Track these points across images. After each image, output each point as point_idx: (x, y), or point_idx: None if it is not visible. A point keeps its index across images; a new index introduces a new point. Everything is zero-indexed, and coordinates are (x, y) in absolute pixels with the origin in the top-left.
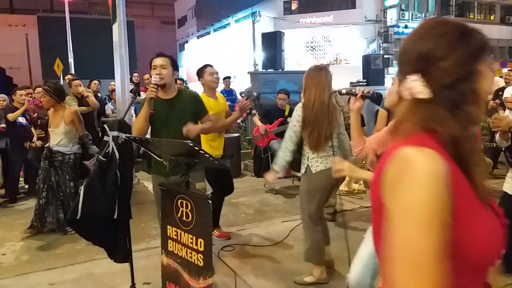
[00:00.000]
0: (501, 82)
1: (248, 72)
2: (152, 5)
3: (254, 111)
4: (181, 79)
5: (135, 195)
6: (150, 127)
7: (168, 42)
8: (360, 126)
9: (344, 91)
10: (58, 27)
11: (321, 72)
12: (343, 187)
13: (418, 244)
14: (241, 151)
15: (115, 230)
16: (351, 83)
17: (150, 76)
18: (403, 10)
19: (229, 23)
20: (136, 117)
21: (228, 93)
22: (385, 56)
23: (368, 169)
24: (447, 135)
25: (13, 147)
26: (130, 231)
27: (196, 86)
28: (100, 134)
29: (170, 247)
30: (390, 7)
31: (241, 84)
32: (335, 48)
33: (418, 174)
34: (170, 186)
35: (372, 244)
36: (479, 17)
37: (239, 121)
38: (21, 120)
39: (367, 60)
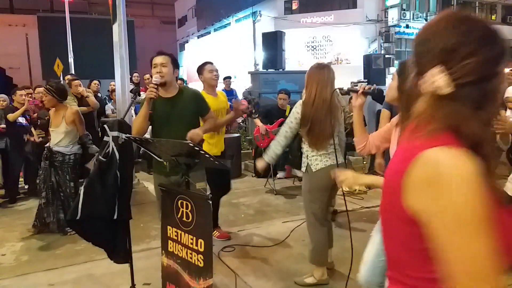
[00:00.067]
0: None
1: (249, 72)
2: (152, 5)
3: (254, 115)
4: (181, 79)
5: (135, 195)
6: (150, 126)
7: (168, 42)
8: (363, 123)
9: (346, 88)
10: (58, 27)
11: (323, 70)
12: (344, 187)
13: (477, 248)
14: (242, 151)
15: (115, 231)
16: (352, 83)
17: (151, 76)
18: (404, 9)
19: (230, 23)
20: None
21: (229, 93)
22: (386, 56)
23: (374, 172)
24: (470, 135)
25: (13, 148)
26: (130, 231)
27: (196, 86)
28: (100, 134)
29: (170, 248)
30: (391, 6)
31: (241, 84)
32: (336, 48)
33: (458, 177)
34: (170, 186)
35: (379, 243)
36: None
37: (239, 121)
38: (21, 120)
39: (368, 60)
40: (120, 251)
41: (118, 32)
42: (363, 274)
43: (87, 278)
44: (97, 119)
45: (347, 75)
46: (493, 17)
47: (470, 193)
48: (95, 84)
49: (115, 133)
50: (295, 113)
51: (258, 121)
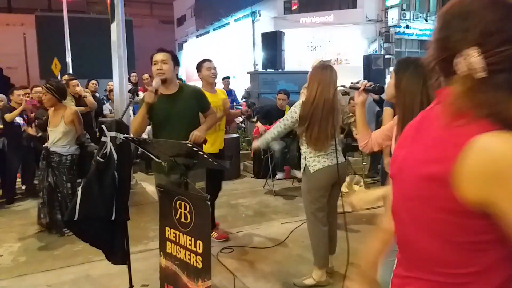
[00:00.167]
0: None
1: (248, 72)
2: (151, 4)
3: (252, 119)
4: (180, 79)
5: (133, 196)
6: (151, 124)
7: (167, 42)
8: (366, 120)
9: (348, 86)
10: (56, 26)
11: (325, 70)
12: (344, 188)
13: None
14: (241, 152)
15: (112, 232)
16: (351, 83)
17: (150, 76)
18: (404, 10)
19: (229, 23)
20: (133, 117)
21: (228, 93)
22: (386, 56)
23: (375, 172)
24: (510, 120)
25: (10, 148)
26: (128, 232)
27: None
28: (98, 134)
29: (169, 249)
30: (391, 6)
31: (240, 84)
32: (335, 48)
33: None
34: (169, 186)
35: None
36: None
37: (238, 121)
38: (19, 120)
39: (368, 60)
40: (118, 252)
41: (117, 31)
42: (379, 275)
43: (85, 279)
44: (95, 119)
45: (347, 76)
46: None
47: None
48: (93, 84)
49: (113, 134)
50: (293, 112)
51: (257, 122)
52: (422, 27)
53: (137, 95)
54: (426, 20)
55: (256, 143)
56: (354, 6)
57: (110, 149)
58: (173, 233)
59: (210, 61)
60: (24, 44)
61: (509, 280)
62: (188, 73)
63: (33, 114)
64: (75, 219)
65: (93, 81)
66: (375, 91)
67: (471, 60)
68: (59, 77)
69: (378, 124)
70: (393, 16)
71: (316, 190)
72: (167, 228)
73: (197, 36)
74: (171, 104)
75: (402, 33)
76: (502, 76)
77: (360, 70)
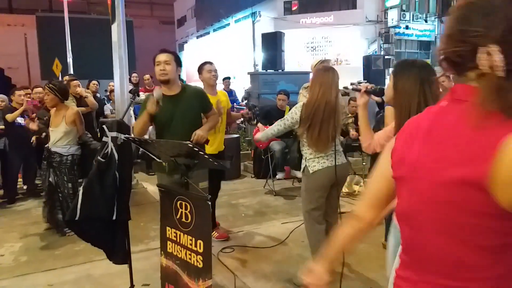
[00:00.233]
0: None
1: (248, 73)
2: (151, 5)
3: (252, 122)
4: (181, 80)
5: (134, 196)
6: (154, 124)
7: (168, 42)
8: (368, 121)
9: (350, 87)
10: (57, 27)
11: (327, 72)
12: (344, 188)
13: None
14: (241, 152)
15: (114, 231)
16: (351, 83)
17: (151, 77)
18: (404, 10)
19: (229, 23)
20: (135, 118)
21: (228, 93)
22: (386, 57)
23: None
24: None
25: (12, 148)
26: (129, 232)
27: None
28: (99, 134)
29: (169, 249)
30: (391, 7)
31: (241, 84)
32: (335, 48)
33: None
34: (170, 186)
35: (395, 245)
36: None
37: (238, 121)
38: (20, 120)
39: (368, 61)
40: (119, 252)
41: (117, 32)
42: (388, 267)
43: (86, 278)
44: (96, 119)
45: (347, 76)
46: None
47: None
48: (94, 84)
49: (114, 134)
50: (293, 113)
51: None
52: (422, 28)
53: (138, 95)
54: (426, 21)
55: (258, 136)
56: (354, 7)
57: (111, 149)
58: (174, 232)
59: (211, 63)
60: (25, 44)
61: None
62: (188, 73)
63: (34, 114)
64: (76, 219)
65: (94, 82)
66: (376, 93)
67: (496, 57)
68: (60, 78)
69: (377, 124)
70: (392, 16)
71: (315, 191)
72: (168, 228)
73: (197, 37)
74: (174, 105)
75: (401, 34)
76: None
77: (360, 71)
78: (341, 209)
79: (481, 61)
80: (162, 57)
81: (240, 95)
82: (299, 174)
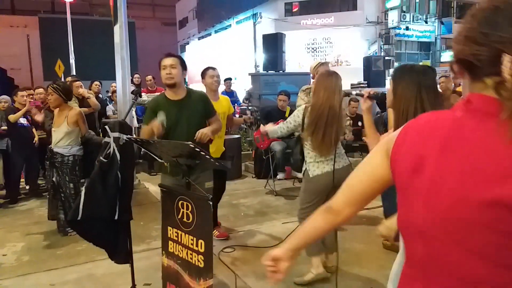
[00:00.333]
0: None
1: (249, 74)
2: (153, 7)
3: (253, 126)
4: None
5: (136, 196)
6: None
7: (169, 44)
8: (373, 124)
9: (354, 93)
10: (59, 28)
11: (331, 77)
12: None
13: None
14: (242, 152)
15: (115, 231)
16: (351, 85)
17: (153, 77)
18: (404, 11)
19: (230, 25)
20: (137, 118)
21: (229, 94)
22: (386, 58)
23: None
24: None
25: (14, 148)
26: (130, 232)
27: (197, 87)
28: (101, 135)
29: (171, 248)
30: (391, 8)
31: (242, 85)
32: (336, 49)
33: None
34: (171, 187)
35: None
36: None
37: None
38: (22, 121)
39: (368, 62)
40: (120, 252)
41: (119, 33)
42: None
43: (88, 278)
44: (98, 120)
45: (347, 77)
46: None
47: None
48: (96, 85)
49: (116, 134)
50: (296, 116)
51: None
52: (422, 29)
53: (140, 96)
54: (426, 22)
55: (265, 128)
56: (354, 8)
57: (113, 149)
58: (175, 232)
59: (214, 69)
60: (27, 45)
61: None
62: (190, 75)
63: (44, 104)
64: (79, 218)
65: (96, 82)
66: (378, 98)
67: None
68: (62, 79)
69: (375, 125)
70: (393, 18)
71: (312, 194)
72: (169, 228)
73: (199, 38)
74: (179, 109)
75: (402, 35)
76: None
77: (360, 72)
78: None
79: (505, 69)
80: (168, 61)
81: (241, 96)
82: (299, 174)
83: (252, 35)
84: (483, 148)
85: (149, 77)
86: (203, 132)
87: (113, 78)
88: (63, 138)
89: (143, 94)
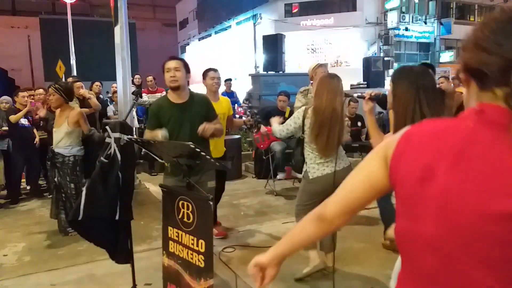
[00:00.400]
0: None
1: (249, 74)
2: (154, 8)
3: (253, 129)
4: None
5: (137, 196)
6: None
7: (170, 44)
8: (376, 125)
9: (355, 95)
10: (60, 29)
11: (333, 80)
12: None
13: None
14: (242, 152)
15: (116, 231)
16: (351, 85)
17: (154, 78)
18: (403, 12)
19: (230, 26)
20: (137, 119)
21: (229, 95)
22: (386, 58)
23: None
24: None
25: (15, 149)
26: (131, 232)
27: (197, 88)
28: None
29: (171, 248)
30: (391, 9)
31: (242, 86)
32: (335, 50)
33: None
34: (172, 187)
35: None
36: (479, 20)
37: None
38: (23, 121)
39: (368, 63)
40: (121, 252)
41: (120, 34)
42: (391, 286)
43: (89, 278)
44: (99, 120)
45: (347, 78)
46: None
47: None
48: (96, 85)
49: (117, 135)
50: (296, 118)
51: None
52: (421, 30)
53: (141, 97)
54: (425, 23)
55: (272, 122)
56: (354, 9)
57: (114, 150)
58: (176, 232)
59: (215, 70)
60: (28, 46)
61: None
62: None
63: (37, 116)
64: (79, 218)
65: (97, 83)
66: (379, 99)
67: None
68: (63, 79)
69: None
70: (392, 18)
71: (310, 194)
72: (170, 228)
73: (199, 39)
74: (182, 112)
75: (401, 36)
76: None
77: (359, 72)
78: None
79: None
80: (172, 63)
81: (241, 96)
82: (299, 175)
83: (252, 36)
84: (500, 159)
85: (150, 77)
86: (207, 126)
87: (113, 78)
88: (63, 138)
89: (143, 94)
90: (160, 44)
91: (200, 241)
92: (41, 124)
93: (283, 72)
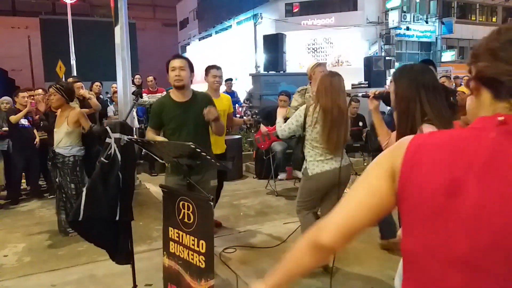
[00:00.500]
0: None
1: (250, 74)
2: (154, 7)
3: (253, 128)
4: None
5: (137, 196)
6: (163, 128)
7: (170, 44)
8: (383, 122)
9: (360, 94)
10: (60, 29)
11: (335, 78)
12: (346, 190)
13: None
14: (243, 152)
15: (116, 232)
16: (352, 85)
17: (154, 78)
18: (404, 12)
19: (231, 25)
20: (138, 119)
21: (230, 95)
22: (387, 58)
23: None
24: None
25: (15, 149)
26: (131, 232)
27: (198, 88)
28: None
29: (172, 249)
30: (392, 9)
31: (242, 86)
32: (336, 50)
33: None
34: (172, 187)
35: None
36: (480, 19)
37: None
38: (24, 122)
39: (369, 62)
40: (122, 252)
41: (120, 34)
42: (396, 284)
43: (89, 279)
44: (99, 121)
45: (348, 77)
46: (494, 19)
47: None
48: (96, 86)
49: (117, 135)
50: (297, 116)
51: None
52: (423, 29)
53: (141, 97)
54: (427, 22)
55: (277, 119)
56: (355, 8)
57: (114, 150)
58: (177, 233)
59: (218, 68)
60: (28, 46)
61: None
62: None
63: (37, 116)
64: (80, 219)
65: (97, 83)
66: (383, 97)
67: None
68: (63, 79)
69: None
70: (393, 18)
71: (310, 191)
72: (170, 228)
73: (199, 39)
74: (185, 111)
75: (402, 35)
76: None
77: (360, 72)
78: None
79: None
80: (177, 62)
81: (242, 96)
82: (300, 174)
83: (253, 36)
84: None
85: (150, 78)
86: (211, 109)
87: (113, 79)
88: (63, 138)
89: (144, 95)
90: (160, 44)
91: (201, 241)
92: (41, 125)
93: (283, 72)
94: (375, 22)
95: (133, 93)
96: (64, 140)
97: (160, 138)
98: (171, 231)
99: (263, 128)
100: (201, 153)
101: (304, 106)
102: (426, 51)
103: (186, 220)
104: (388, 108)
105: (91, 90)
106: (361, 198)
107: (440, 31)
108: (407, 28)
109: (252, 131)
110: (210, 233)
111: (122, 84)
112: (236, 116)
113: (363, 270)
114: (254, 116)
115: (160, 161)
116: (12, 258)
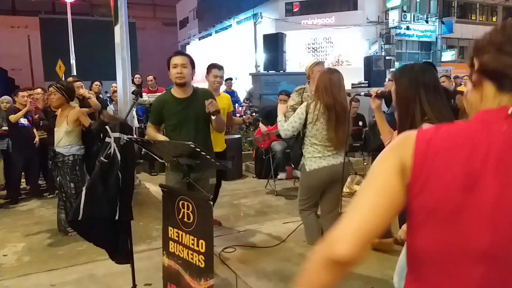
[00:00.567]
0: None
1: (250, 74)
2: (154, 7)
3: (252, 127)
4: None
5: (137, 196)
6: (164, 124)
7: (170, 44)
8: (385, 121)
9: (362, 93)
10: (60, 28)
11: (334, 75)
12: (345, 188)
13: None
14: (243, 152)
15: (116, 231)
16: (352, 84)
17: (154, 78)
18: (405, 11)
19: (231, 25)
20: (137, 119)
21: (230, 94)
22: (387, 57)
23: None
24: None
25: (15, 149)
26: (131, 232)
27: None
28: (101, 136)
29: (172, 248)
30: (392, 8)
31: (242, 85)
32: (336, 49)
33: None
34: (172, 187)
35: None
36: (481, 19)
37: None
38: (23, 121)
39: (369, 62)
40: (121, 252)
41: (120, 33)
42: (395, 281)
43: (89, 278)
44: (98, 119)
45: (348, 77)
46: (494, 19)
47: None
48: (96, 85)
49: (117, 134)
50: (299, 114)
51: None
52: (423, 29)
53: (141, 96)
54: (427, 22)
55: (279, 116)
56: (355, 8)
57: (114, 149)
58: (176, 232)
59: (220, 68)
60: (28, 46)
61: None
62: None
63: (37, 116)
64: (79, 218)
65: (97, 82)
66: (385, 96)
67: None
68: (63, 79)
69: (375, 125)
70: (393, 17)
71: (308, 188)
72: (170, 228)
73: (199, 38)
74: (186, 107)
75: (402, 35)
76: None
77: (361, 71)
78: (342, 209)
79: None
80: (178, 59)
81: (242, 95)
82: (299, 173)
83: (253, 35)
84: None
85: (150, 77)
86: (213, 101)
87: (113, 78)
88: (63, 138)
89: (144, 94)
90: (160, 43)
91: (201, 241)
92: (40, 124)
93: (283, 71)
94: (375, 21)
95: (133, 93)
96: (64, 139)
97: (162, 137)
98: (171, 230)
99: (262, 127)
100: (201, 152)
101: (305, 103)
102: (426, 50)
103: (185, 219)
104: (389, 108)
105: (90, 90)
106: (373, 199)
107: (440, 31)
108: (407, 28)
109: (251, 129)
110: (209, 233)
111: (122, 83)
112: (236, 116)
113: (363, 270)
114: (253, 114)
115: (160, 160)
116: (11, 257)
